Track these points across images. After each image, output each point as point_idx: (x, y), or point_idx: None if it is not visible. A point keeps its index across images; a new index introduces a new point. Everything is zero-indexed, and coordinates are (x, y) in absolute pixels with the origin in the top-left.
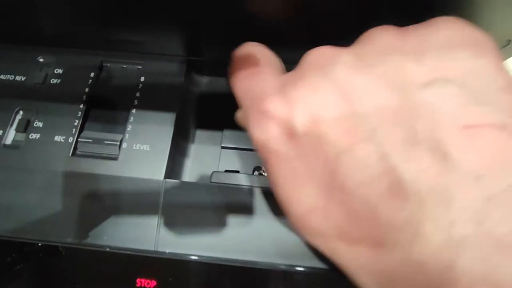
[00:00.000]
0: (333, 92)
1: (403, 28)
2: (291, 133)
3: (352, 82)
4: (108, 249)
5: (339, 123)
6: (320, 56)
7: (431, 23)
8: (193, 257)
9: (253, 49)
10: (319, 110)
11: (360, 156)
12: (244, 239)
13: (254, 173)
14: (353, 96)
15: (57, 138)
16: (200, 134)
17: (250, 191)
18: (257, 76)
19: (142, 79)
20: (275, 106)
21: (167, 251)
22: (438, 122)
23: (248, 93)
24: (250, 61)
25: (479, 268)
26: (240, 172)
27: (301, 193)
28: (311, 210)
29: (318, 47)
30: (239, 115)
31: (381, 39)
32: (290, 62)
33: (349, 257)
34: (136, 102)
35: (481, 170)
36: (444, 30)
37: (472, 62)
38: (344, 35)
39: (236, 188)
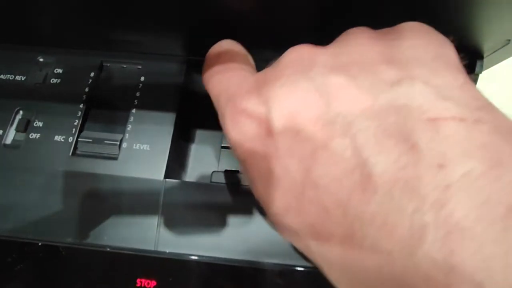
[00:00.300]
0: (311, 90)
1: (377, 31)
2: (267, 132)
3: (329, 82)
4: (108, 249)
5: (316, 120)
6: (299, 55)
7: (400, 28)
8: (193, 257)
9: (226, 46)
10: (296, 108)
11: (335, 151)
12: (244, 239)
13: None
14: (330, 95)
15: (57, 138)
16: (200, 134)
17: (250, 191)
18: (231, 74)
19: (142, 79)
20: (252, 104)
21: (167, 251)
22: (407, 116)
23: (222, 91)
24: (223, 59)
25: (437, 252)
26: (240, 172)
27: (276, 193)
28: (285, 210)
29: (297, 46)
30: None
31: (357, 40)
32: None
33: (321, 254)
34: (136, 102)
35: (443, 159)
36: (411, 34)
37: (434, 63)
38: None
39: (236, 188)
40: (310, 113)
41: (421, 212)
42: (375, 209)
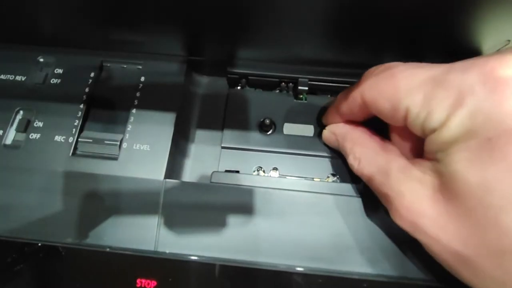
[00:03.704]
0: None
1: None
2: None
3: None
4: (108, 249)
5: None
6: None
7: None
8: (193, 257)
9: None
10: None
11: None
12: (244, 239)
13: (254, 173)
14: None
15: (57, 138)
16: (200, 134)
17: (250, 191)
18: None
19: (142, 79)
20: None
21: (167, 251)
22: None
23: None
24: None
25: None
26: (240, 172)
27: None
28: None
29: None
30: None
31: None
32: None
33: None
34: (136, 102)
35: None
36: None
37: None
38: None
39: (236, 188)
40: None
41: None
42: None
